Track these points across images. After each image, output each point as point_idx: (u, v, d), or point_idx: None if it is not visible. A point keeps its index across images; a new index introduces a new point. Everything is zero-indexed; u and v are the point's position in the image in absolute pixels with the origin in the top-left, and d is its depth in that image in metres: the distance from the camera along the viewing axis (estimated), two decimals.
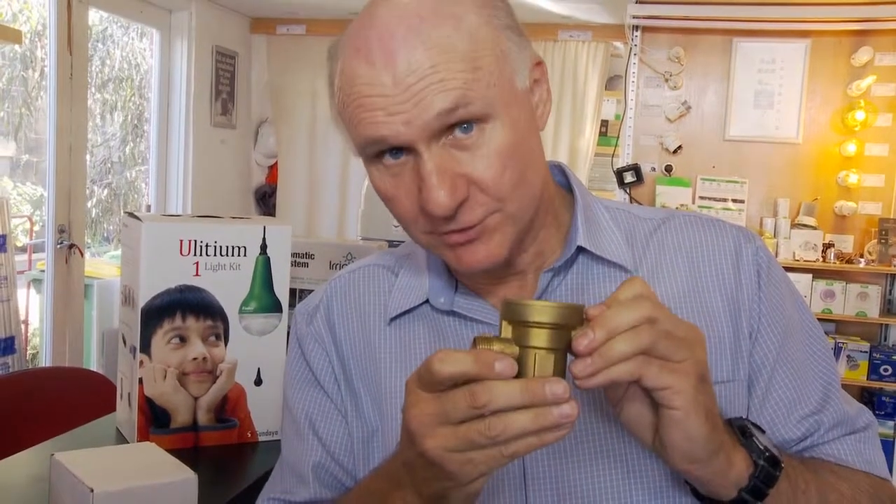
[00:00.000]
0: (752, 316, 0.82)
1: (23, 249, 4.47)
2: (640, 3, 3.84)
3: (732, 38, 3.86)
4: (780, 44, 3.82)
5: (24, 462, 1.16)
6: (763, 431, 0.74)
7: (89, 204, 3.95)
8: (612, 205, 0.89)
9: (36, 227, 4.67)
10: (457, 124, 0.71)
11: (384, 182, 0.76)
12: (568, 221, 0.85)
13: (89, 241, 4.09)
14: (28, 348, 3.90)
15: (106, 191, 5.06)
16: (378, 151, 0.74)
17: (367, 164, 0.77)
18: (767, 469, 0.70)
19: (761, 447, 0.71)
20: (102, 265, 4.45)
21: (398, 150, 0.73)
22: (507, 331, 0.63)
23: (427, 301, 0.86)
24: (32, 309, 4.22)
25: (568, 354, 0.63)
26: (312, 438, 0.90)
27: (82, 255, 3.72)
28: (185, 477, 0.94)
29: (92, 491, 0.87)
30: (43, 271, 3.77)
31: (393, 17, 0.71)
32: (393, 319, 0.87)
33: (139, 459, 0.98)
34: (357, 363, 0.89)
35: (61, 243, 3.60)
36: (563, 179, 0.90)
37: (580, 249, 0.83)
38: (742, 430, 0.72)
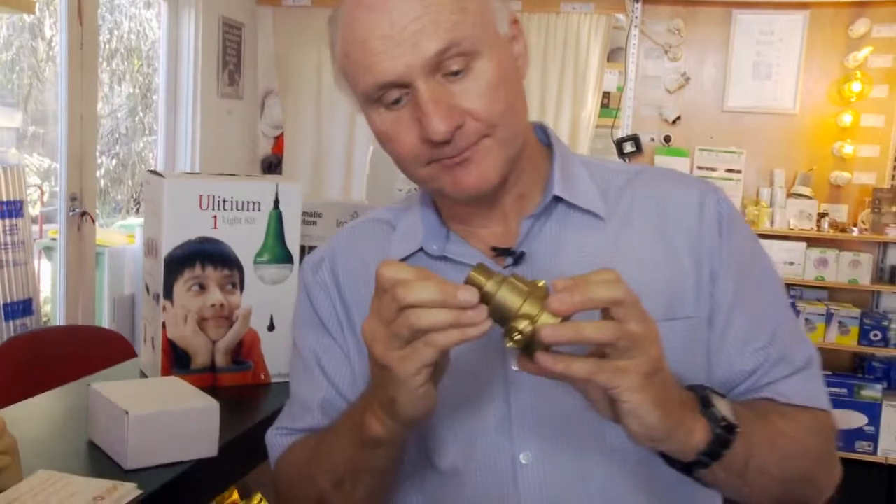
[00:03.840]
0: (713, 259, 0.91)
1: (33, 220, 4.56)
2: None
3: (731, 9, 3.91)
4: (778, 15, 3.87)
5: (61, 396, 1.27)
6: (723, 396, 0.82)
7: (98, 174, 4.04)
8: (588, 160, 0.99)
9: (45, 198, 4.74)
10: (449, 59, 0.81)
11: (385, 124, 0.85)
12: (547, 174, 0.95)
13: (98, 210, 4.18)
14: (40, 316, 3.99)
15: (114, 161, 5.15)
16: (379, 95, 0.83)
17: (369, 110, 0.86)
18: (724, 436, 0.78)
19: (719, 416, 0.79)
20: (112, 234, 4.54)
21: (399, 91, 0.82)
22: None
23: (422, 249, 0.95)
24: (43, 277, 4.32)
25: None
26: (320, 375, 0.99)
27: (94, 222, 3.81)
28: (208, 404, 1.04)
29: (127, 413, 0.97)
30: (54, 240, 3.87)
31: None
32: None
33: (167, 389, 1.08)
34: (359, 308, 0.98)
35: (73, 211, 3.69)
36: (544, 138, 0.99)
37: (557, 199, 0.92)
38: (703, 402, 0.80)
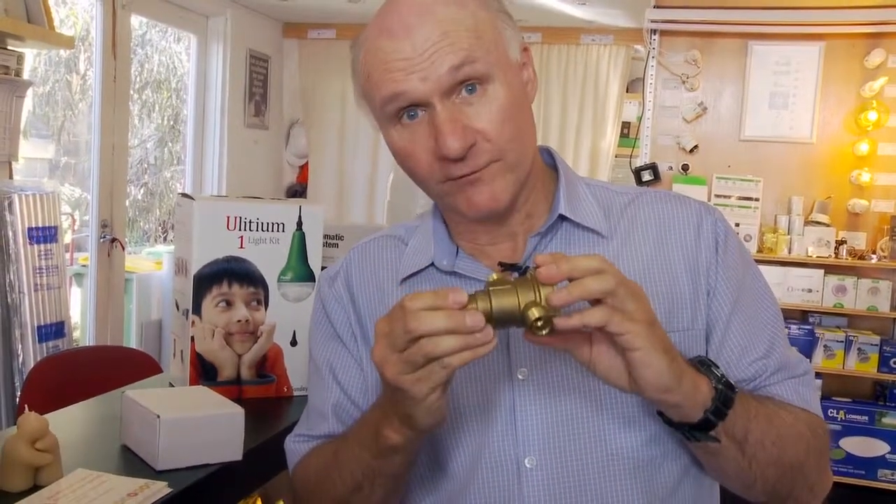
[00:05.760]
0: (710, 276, 0.97)
1: (65, 247, 4.67)
2: (659, 7, 3.97)
3: (748, 41, 3.96)
4: (794, 46, 3.91)
5: (95, 405, 1.34)
6: (717, 367, 0.88)
7: (126, 203, 4.17)
8: (592, 182, 1.05)
9: (76, 226, 4.87)
10: (464, 82, 0.88)
11: (403, 140, 0.92)
12: (553, 194, 1.01)
13: (127, 238, 4.30)
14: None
15: (142, 190, 5.28)
16: (397, 110, 0.90)
17: (388, 126, 0.93)
18: (725, 392, 0.84)
19: (718, 374, 0.86)
20: (140, 261, 4.65)
21: (415, 108, 0.89)
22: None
23: (433, 264, 1.01)
24: (74, 303, 4.42)
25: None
26: (333, 383, 1.06)
27: (123, 248, 3.93)
28: (234, 410, 1.10)
29: (159, 417, 1.03)
30: (84, 266, 3.98)
31: (408, 4, 0.89)
32: (404, 280, 1.02)
33: (195, 397, 1.15)
34: (372, 319, 1.04)
35: (104, 237, 3.80)
36: (550, 160, 1.05)
37: (562, 218, 0.98)
38: (701, 363, 0.87)
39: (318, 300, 1.10)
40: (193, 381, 1.36)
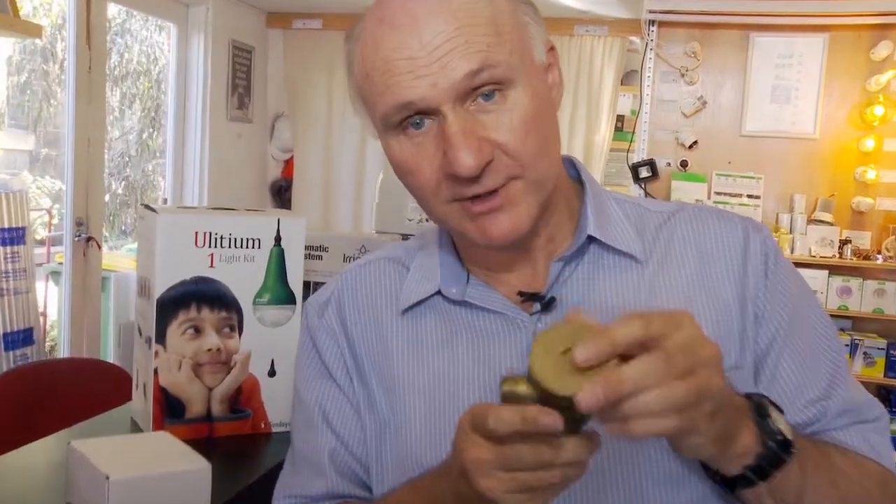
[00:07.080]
0: (758, 303, 0.83)
1: (41, 242, 4.52)
2: None
3: (749, 32, 3.84)
4: (797, 38, 3.79)
5: (43, 449, 1.18)
6: (781, 411, 0.74)
7: (106, 198, 4.00)
8: (622, 197, 0.90)
9: (54, 221, 4.71)
10: (481, 87, 0.73)
11: (405, 153, 0.77)
12: (579, 212, 0.87)
13: (107, 234, 4.13)
14: (46, 340, 3.93)
15: (123, 184, 5.11)
16: (400, 121, 0.75)
17: (388, 136, 0.78)
18: (776, 452, 0.70)
19: (774, 429, 0.71)
20: (120, 258, 4.49)
21: (421, 117, 0.74)
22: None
23: (439, 292, 0.86)
24: (51, 301, 4.26)
25: None
26: (325, 429, 0.91)
27: (100, 247, 3.76)
28: (199, 466, 0.95)
29: (108, 478, 0.88)
30: (61, 264, 3.82)
31: None
32: (405, 311, 0.88)
33: (154, 448, 0.99)
34: (369, 356, 0.90)
35: (79, 236, 3.63)
36: (574, 173, 0.91)
37: (591, 239, 0.84)
38: (759, 410, 0.72)
39: (306, 332, 0.95)
40: (157, 419, 1.21)
